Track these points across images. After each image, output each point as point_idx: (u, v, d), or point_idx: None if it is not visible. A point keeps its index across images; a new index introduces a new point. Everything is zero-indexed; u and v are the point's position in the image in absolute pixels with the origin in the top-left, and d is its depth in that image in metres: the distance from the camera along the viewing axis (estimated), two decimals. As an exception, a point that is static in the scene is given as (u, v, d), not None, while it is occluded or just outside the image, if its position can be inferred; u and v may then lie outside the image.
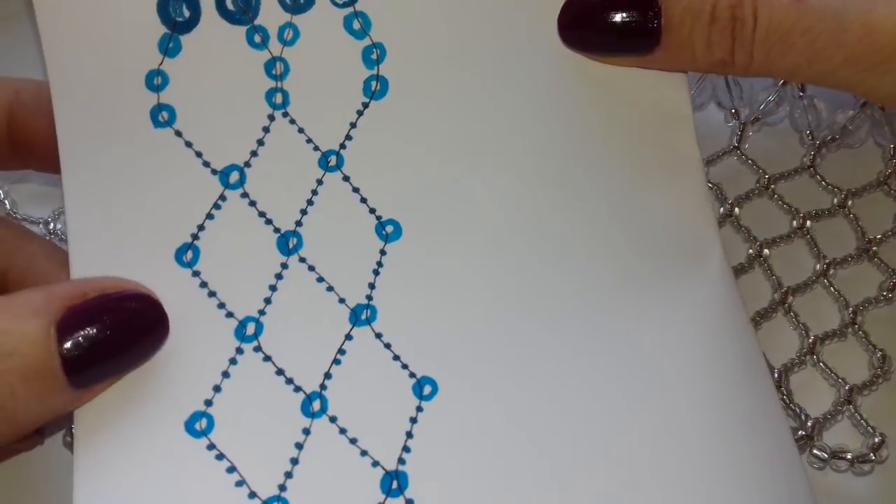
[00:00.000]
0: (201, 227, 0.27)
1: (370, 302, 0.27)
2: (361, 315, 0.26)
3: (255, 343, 0.26)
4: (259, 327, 0.26)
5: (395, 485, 0.24)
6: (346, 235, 0.27)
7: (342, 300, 0.27)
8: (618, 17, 0.26)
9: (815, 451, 0.27)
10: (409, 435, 0.25)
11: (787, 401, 0.28)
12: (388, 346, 0.26)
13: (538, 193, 0.28)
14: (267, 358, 0.26)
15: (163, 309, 0.25)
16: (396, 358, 0.26)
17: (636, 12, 0.26)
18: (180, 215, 0.27)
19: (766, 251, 0.30)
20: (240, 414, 0.25)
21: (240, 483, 0.24)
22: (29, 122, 0.28)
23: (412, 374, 0.26)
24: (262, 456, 0.24)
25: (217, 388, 0.25)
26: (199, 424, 0.25)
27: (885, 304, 0.29)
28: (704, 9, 0.26)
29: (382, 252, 0.27)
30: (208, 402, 0.25)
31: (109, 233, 0.26)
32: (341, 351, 0.26)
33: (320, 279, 0.27)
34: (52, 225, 0.29)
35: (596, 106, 0.28)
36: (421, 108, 0.28)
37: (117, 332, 0.23)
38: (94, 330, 0.23)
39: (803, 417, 0.28)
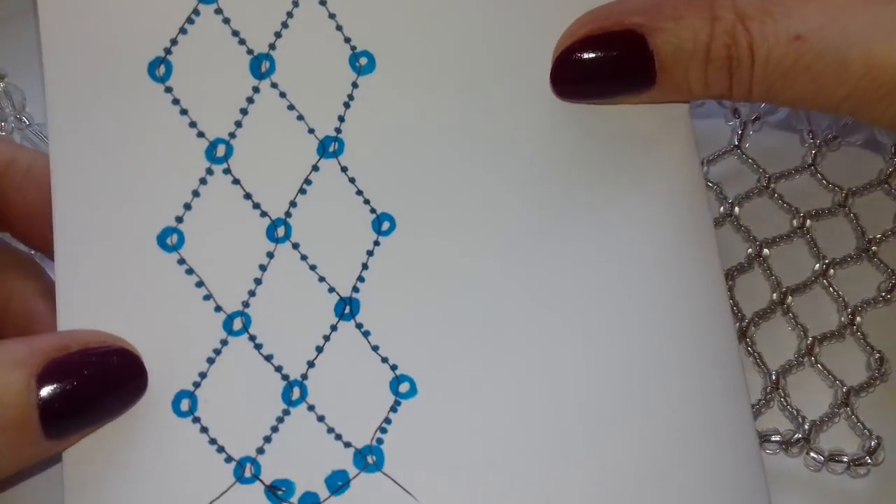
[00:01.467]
0: (174, 43, 0.27)
1: (338, 134, 0.28)
2: (329, 147, 0.27)
3: (224, 165, 0.27)
4: (229, 150, 0.27)
5: (347, 310, 0.27)
6: (319, 65, 0.28)
7: (311, 130, 0.27)
8: (609, 62, 0.25)
9: (811, 455, 0.28)
10: (365, 266, 0.27)
11: (784, 403, 0.28)
12: (352, 180, 0.27)
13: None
14: (236, 181, 0.27)
15: (143, 365, 0.25)
16: (359, 193, 0.27)
17: (628, 57, 0.25)
18: None
19: (765, 251, 0.30)
20: (208, 233, 0.27)
21: (207, 297, 0.26)
22: (13, 195, 0.27)
23: (373, 210, 0.27)
24: (228, 274, 0.26)
25: (188, 206, 0.27)
26: (170, 239, 0.27)
27: (883, 304, 0.29)
28: (698, 48, 0.25)
29: (354, 85, 0.28)
30: (179, 219, 0.27)
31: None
32: (307, 181, 0.27)
33: (291, 107, 0.27)
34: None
35: None
36: None
37: (96, 388, 0.24)
38: (74, 384, 0.23)
39: (800, 420, 0.28)
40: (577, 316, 0.26)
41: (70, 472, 0.25)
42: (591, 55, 0.26)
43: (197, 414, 0.25)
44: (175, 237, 0.27)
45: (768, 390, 0.28)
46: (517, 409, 0.25)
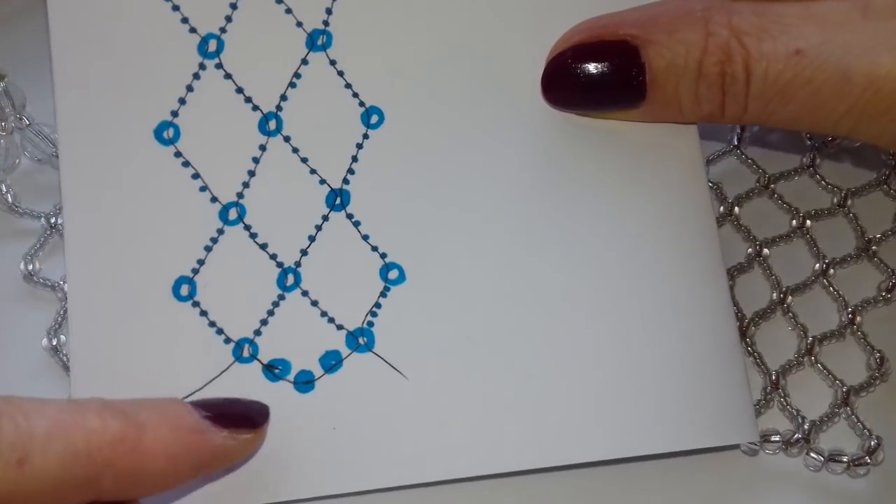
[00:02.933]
0: None
1: (326, 27, 0.28)
2: (318, 40, 0.28)
3: (216, 60, 0.28)
4: (220, 45, 0.28)
5: (338, 201, 0.28)
6: None
7: (299, 23, 0.28)
8: (600, 72, 0.25)
9: (811, 455, 0.28)
10: (355, 159, 0.28)
11: (784, 403, 0.28)
12: (340, 73, 0.28)
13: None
14: (228, 76, 0.28)
15: None
16: (348, 86, 0.28)
17: (620, 68, 0.25)
18: None
19: (765, 251, 0.30)
20: (202, 126, 0.28)
21: (203, 188, 0.27)
22: None
23: (361, 103, 0.28)
24: (223, 166, 0.27)
25: (182, 101, 0.28)
26: (166, 133, 0.27)
27: (883, 304, 0.29)
28: (689, 65, 0.24)
29: None
30: (174, 114, 0.28)
31: None
32: (297, 75, 0.28)
33: (279, 0, 0.28)
34: (53, 220, 0.29)
35: None
36: None
37: None
38: None
39: (800, 420, 0.28)
40: (565, 201, 0.27)
41: (76, 336, 0.26)
42: (583, 63, 0.26)
43: (196, 298, 0.27)
44: (171, 131, 0.28)
45: (768, 390, 0.28)
46: (501, 294, 0.27)
